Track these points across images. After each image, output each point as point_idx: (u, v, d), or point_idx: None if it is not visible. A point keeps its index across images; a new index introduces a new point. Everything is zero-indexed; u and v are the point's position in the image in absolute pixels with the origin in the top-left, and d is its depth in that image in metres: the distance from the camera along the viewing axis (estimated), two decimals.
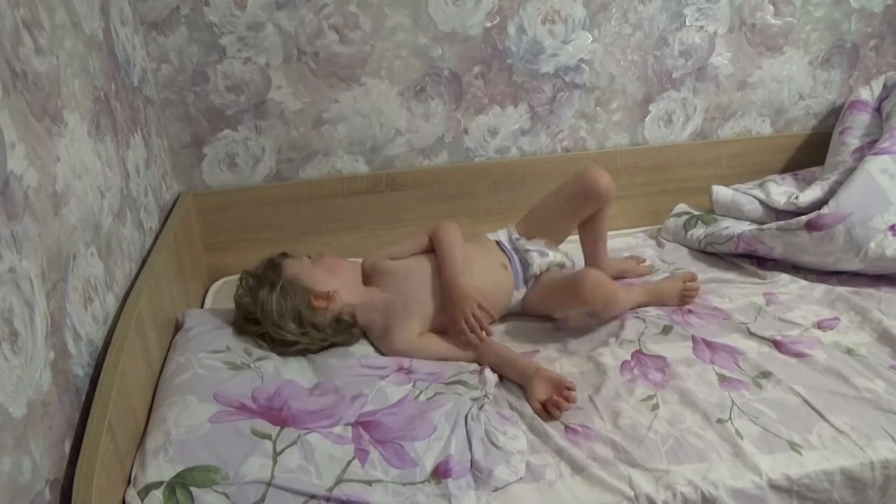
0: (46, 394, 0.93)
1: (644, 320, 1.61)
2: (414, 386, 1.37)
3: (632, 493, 1.12)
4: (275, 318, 1.44)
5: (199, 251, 1.95)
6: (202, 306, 1.84)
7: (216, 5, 1.75)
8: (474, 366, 1.46)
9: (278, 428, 1.18)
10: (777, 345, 1.50)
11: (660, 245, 2.05)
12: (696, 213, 2.07)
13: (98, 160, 1.28)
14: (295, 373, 1.39)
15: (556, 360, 1.48)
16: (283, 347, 1.45)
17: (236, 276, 1.64)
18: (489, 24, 1.92)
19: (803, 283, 1.76)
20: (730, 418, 1.27)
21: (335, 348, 1.50)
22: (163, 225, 1.70)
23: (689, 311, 1.65)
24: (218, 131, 1.90)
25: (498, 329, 1.63)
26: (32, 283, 0.93)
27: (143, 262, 1.49)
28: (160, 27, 1.75)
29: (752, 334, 1.54)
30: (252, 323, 1.47)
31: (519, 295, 1.68)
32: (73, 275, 1.09)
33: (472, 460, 1.17)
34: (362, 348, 1.52)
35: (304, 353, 1.47)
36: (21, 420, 0.85)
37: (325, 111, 1.93)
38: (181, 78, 1.81)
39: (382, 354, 1.52)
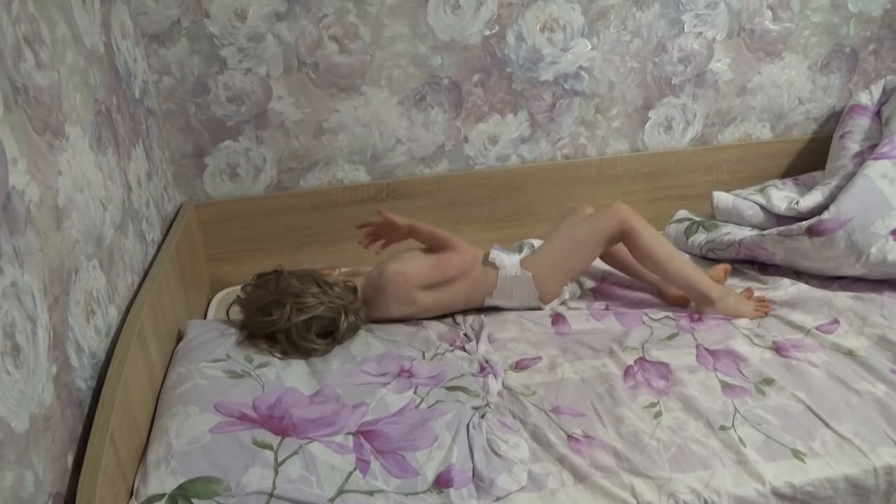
0: (49, 407, 0.94)
1: (651, 328, 1.61)
2: (415, 392, 1.37)
3: (634, 502, 1.11)
4: (295, 286, 1.51)
5: (202, 262, 1.95)
6: (205, 317, 1.85)
7: (217, 17, 1.76)
8: (476, 368, 1.47)
9: (279, 438, 1.18)
10: (779, 350, 1.49)
11: None
12: (697, 218, 2.07)
13: (100, 173, 1.28)
14: (296, 379, 1.39)
15: (559, 366, 1.48)
16: (300, 339, 1.47)
17: (238, 287, 1.65)
18: (488, 33, 1.93)
19: (804, 287, 1.76)
20: (733, 425, 1.27)
21: (336, 352, 1.51)
22: (165, 236, 1.71)
23: (699, 318, 1.65)
24: (219, 142, 1.91)
25: (500, 337, 1.63)
26: (34, 297, 0.93)
27: (146, 273, 1.50)
28: (161, 39, 1.76)
29: (754, 340, 1.54)
30: (273, 307, 1.48)
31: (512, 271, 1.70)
32: (75, 288, 1.09)
33: (473, 469, 1.17)
34: (364, 349, 1.52)
35: (312, 352, 1.48)
36: (23, 434, 0.85)
37: (326, 121, 1.94)
38: (182, 89, 1.82)
39: (378, 320, 1.65)
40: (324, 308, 1.50)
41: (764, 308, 1.66)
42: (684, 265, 1.69)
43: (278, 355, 1.47)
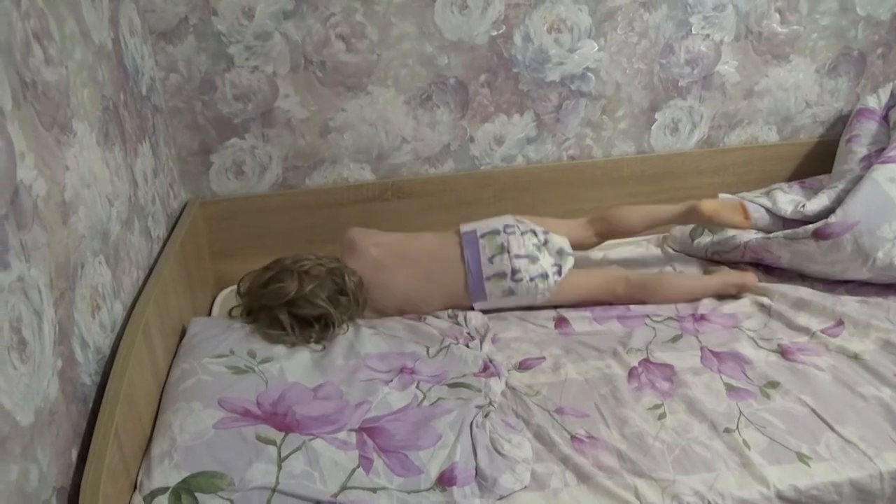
0: (54, 402, 0.94)
1: (654, 329, 1.61)
2: (418, 387, 1.38)
3: (637, 503, 1.11)
4: (291, 259, 1.61)
5: (206, 259, 1.96)
6: (209, 314, 1.85)
7: (224, 15, 1.77)
8: (479, 367, 1.47)
9: (283, 433, 1.18)
10: (784, 353, 1.49)
11: (666, 253, 2.05)
12: None
13: (106, 169, 1.29)
14: (299, 374, 1.39)
15: (562, 367, 1.48)
16: (316, 298, 1.52)
17: None
18: (495, 33, 1.92)
19: (810, 290, 1.75)
20: (737, 428, 1.27)
21: (340, 348, 1.50)
22: (170, 233, 1.72)
23: (702, 318, 1.64)
24: (225, 140, 1.91)
25: (504, 337, 1.63)
26: (41, 292, 0.94)
27: (151, 269, 1.50)
28: (169, 37, 1.77)
29: (759, 343, 1.54)
30: (282, 276, 1.55)
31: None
32: (81, 283, 1.09)
33: (476, 468, 1.17)
34: (367, 347, 1.52)
35: (329, 317, 1.53)
36: (28, 428, 0.86)
37: (332, 119, 1.94)
38: (189, 87, 1.83)
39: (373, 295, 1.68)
40: (325, 270, 1.58)
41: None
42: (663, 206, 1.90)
43: (294, 337, 1.49)
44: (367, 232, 1.76)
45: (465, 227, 1.74)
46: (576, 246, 1.82)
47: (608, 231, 1.87)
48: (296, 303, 1.52)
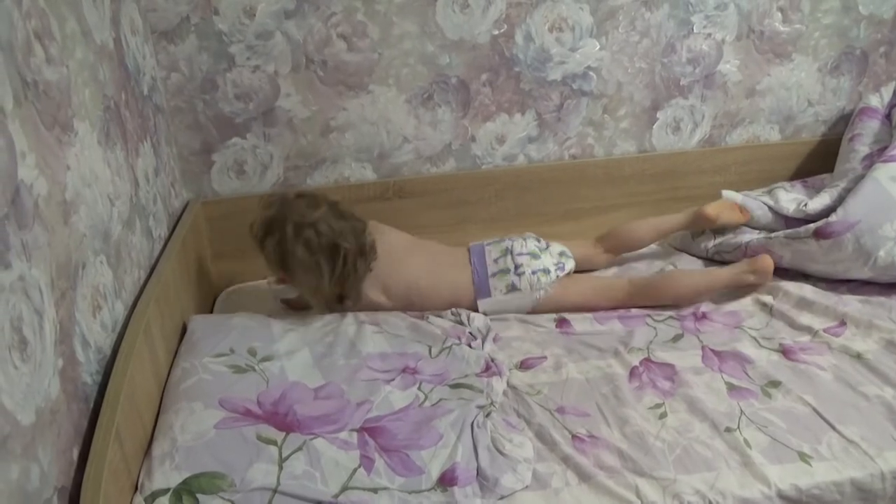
0: (55, 401, 0.94)
1: (655, 329, 1.61)
2: (419, 388, 1.37)
3: (638, 502, 1.11)
4: (309, 193, 1.65)
5: (208, 259, 1.96)
6: (211, 313, 1.85)
7: (225, 14, 1.77)
8: (480, 367, 1.46)
9: (284, 433, 1.19)
10: (786, 352, 1.49)
11: (666, 251, 2.05)
12: None
13: (108, 168, 1.29)
14: (300, 373, 1.39)
15: (563, 366, 1.48)
16: (331, 227, 1.57)
17: (245, 284, 1.66)
18: (496, 32, 1.92)
19: (812, 289, 1.75)
20: (738, 427, 1.27)
21: (341, 347, 1.50)
22: (171, 232, 1.72)
23: (704, 317, 1.64)
24: (227, 139, 1.91)
25: (505, 336, 1.63)
26: (42, 292, 0.94)
27: (152, 269, 1.50)
28: (170, 36, 1.77)
29: (761, 343, 1.53)
30: (312, 197, 1.62)
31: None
32: (82, 283, 1.10)
33: (478, 468, 1.17)
34: (369, 346, 1.52)
35: (335, 245, 1.56)
36: (30, 427, 0.86)
37: (333, 119, 1.94)
38: (191, 86, 1.83)
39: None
40: (350, 213, 1.65)
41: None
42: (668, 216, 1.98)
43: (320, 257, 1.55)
44: (385, 226, 1.81)
45: (473, 243, 1.82)
46: (586, 265, 1.88)
47: (617, 246, 1.95)
48: (319, 222, 1.56)
